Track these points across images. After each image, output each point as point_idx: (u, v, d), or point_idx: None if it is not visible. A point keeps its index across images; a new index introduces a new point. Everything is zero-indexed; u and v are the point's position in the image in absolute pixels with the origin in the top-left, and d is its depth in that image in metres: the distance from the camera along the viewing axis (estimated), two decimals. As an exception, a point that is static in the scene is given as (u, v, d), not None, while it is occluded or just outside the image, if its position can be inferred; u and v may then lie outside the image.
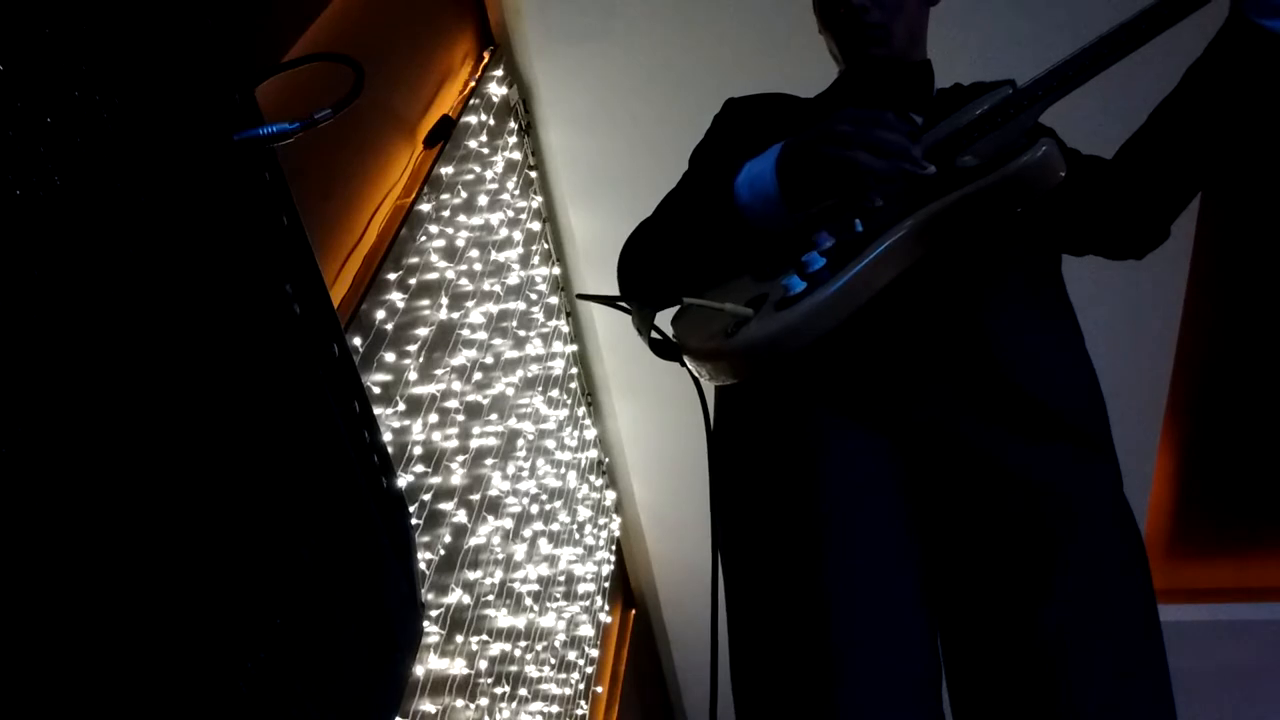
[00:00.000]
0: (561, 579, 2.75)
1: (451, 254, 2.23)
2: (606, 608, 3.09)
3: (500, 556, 2.36)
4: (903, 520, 1.13)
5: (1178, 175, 1.23)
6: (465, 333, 2.25)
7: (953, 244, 1.12)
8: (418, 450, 2.00)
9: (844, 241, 1.11)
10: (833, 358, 1.14)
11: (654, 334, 1.21)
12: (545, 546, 2.65)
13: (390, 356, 1.92)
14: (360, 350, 1.82)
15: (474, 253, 2.33)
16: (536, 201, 2.77)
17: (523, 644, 2.43)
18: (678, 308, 1.25)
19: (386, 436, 1.87)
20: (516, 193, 2.62)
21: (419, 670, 1.91)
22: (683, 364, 1.20)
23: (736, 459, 1.21)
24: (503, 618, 2.34)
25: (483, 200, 2.42)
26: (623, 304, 1.31)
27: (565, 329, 2.94)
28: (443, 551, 2.04)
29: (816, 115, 1.36)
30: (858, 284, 1.08)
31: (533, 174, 2.76)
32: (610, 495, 3.28)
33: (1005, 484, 1.12)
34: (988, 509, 1.13)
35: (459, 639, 2.10)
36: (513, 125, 2.65)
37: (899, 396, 1.14)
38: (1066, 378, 1.18)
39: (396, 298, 1.96)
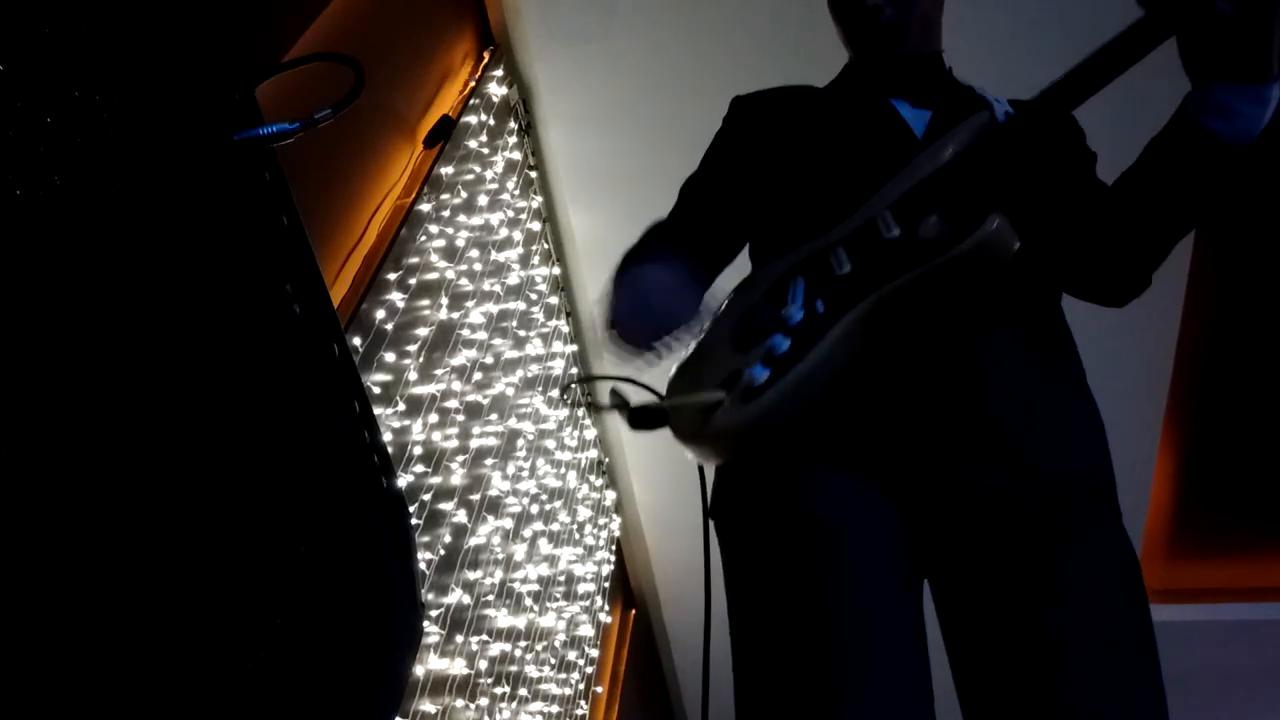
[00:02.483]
0: (561, 579, 2.75)
1: (451, 254, 2.23)
2: (606, 608, 3.09)
3: (500, 556, 2.36)
4: (891, 539, 1.12)
5: (1141, 236, 1.24)
6: (465, 333, 2.25)
7: (915, 317, 1.13)
8: (418, 450, 2.00)
9: (808, 320, 1.12)
10: (822, 404, 1.14)
11: (632, 406, 1.24)
12: (545, 546, 2.65)
13: (390, 356, 1.92)
14: (360, 350, 1.82)
15: (474, 253, 2.33)
16: (536, 201, 2.77)
17: (523, 644, 2.43)
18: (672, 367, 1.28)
19: (386, 436, 1.87)
20: (516, 193, 2.62)
21: (419, 670, 1.91)
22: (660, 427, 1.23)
23: (731, 498, 1.22)
24: (503, 618, 2.34)
25: (483, 200, 2.42)
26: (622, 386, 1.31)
27: (565, 329, 2.94)
28: (443, 551, 2.04)
29: (828, 106, 1.36)
30: (819, 369, 1.10)
31: (533, 174, 2.76)
32: (610, 495, 3.28)
33: (1002, 510, 1.13)
34: (985, 528, 1.13)
35: (459, 639, 2.10)
36: (513, 125, 2.65)
37: (889, 441, 1.15)
38: (1064, 440, 1.18)
39: (396, 298, 1.96)
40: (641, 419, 1.22)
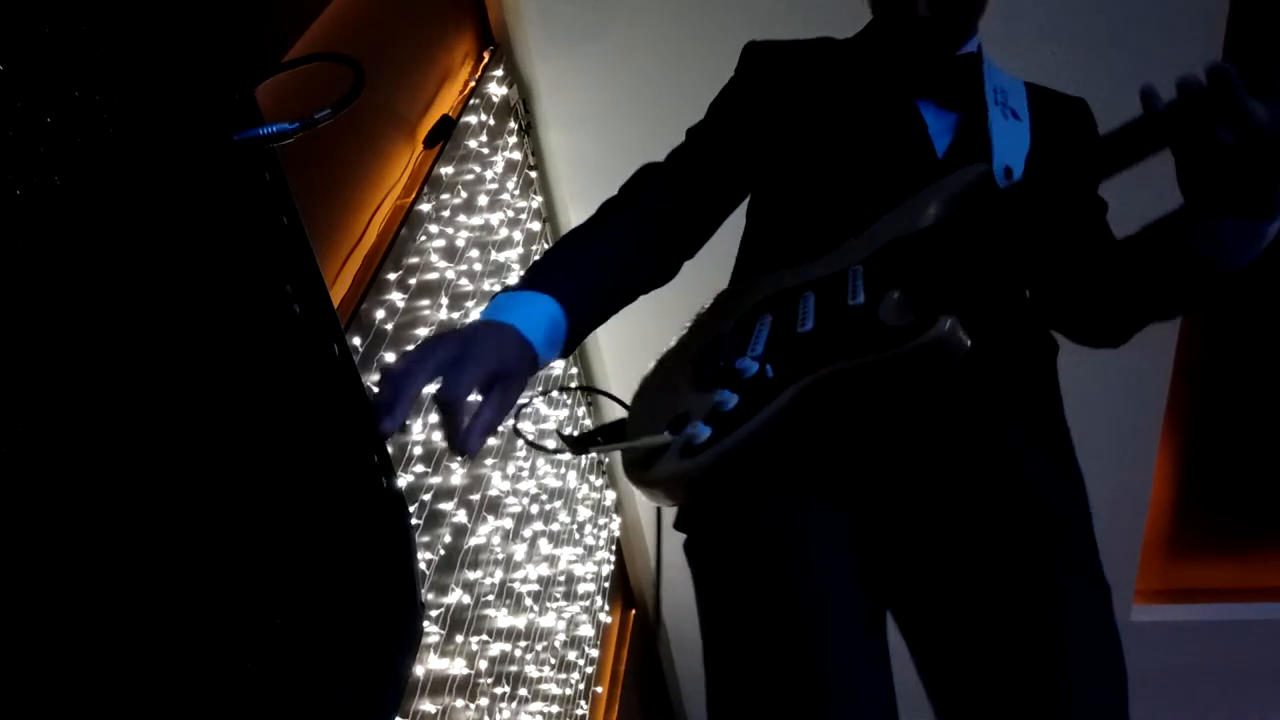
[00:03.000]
0: (561, 579, 2.75)
1: (451, 254, 2.23)
2: (606, 608, 3.09)
3: (500, 556, 2.36)
4: (859, 565, 1.10)
5: (1127, 317, 1.23)
6: (465, 333, 2.24)
7: (862, 397, 1.09)
8: (418, 450, 2.00)
9: (757, 381, 1.09)
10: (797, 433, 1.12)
11: (566, 436, 1.22)
12: (545, 546, 2.65)
13: (390, 356, 1.92)
14: (360, 350, 1.82)
15: (474, 253, 2.33)
16: (536, 201, 2.77)
17: (523, 644, 2.43)
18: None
19: (386, 436, 1.87)
20: (516, 193, 2.62)
21: (419, 670, 1.91)
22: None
23: (696, 518, 1.21)
24: (503, 618, 2.34)
25: (483, 200, 2.42)
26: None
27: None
28: (443, 551, 2.04)
29: (849, 84, 1.29)
30: (761, 436, 1.06)
31: (533, 174, 2.76)
32: (610, 495, 3.28)
33: (999, 529, 1.13)
34: (979, 547, 1.13)
35: (459, 639, 2.10)
36: (513, 125, 2.65)
37: (871, 469, 1.14)
38: (1057, 474, 1.18)
39: (396, 298, 1.96)
40: (583, 445, 1.22)
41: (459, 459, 1.26)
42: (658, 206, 1.23)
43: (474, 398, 0.95)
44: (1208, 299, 1.14)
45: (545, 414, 2.72)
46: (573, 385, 2.90)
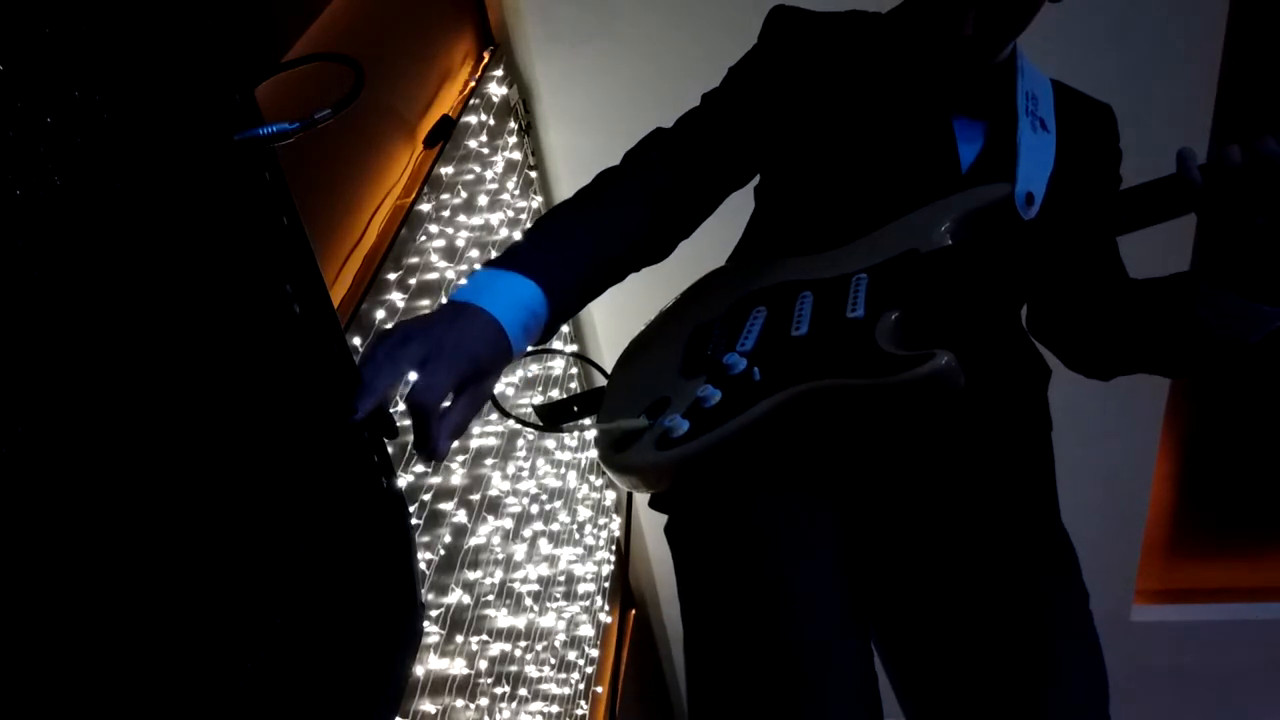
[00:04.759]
0: (561, 579, 2.75)
1: (451, 254, 2.23)
2: (606, 608, 3.09)
3: (500, 556, 2.36)
4: (843, 566, 1.08)
5: (1125, 363, 1.23)
6: (465, 333, 2.24)
7: (846, 418, 1.06)
8: (418, 450, 2.00)
9: (742, 381, 1.07)
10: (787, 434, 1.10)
11: (537, 407, 1.21)
12: (545, 546, 2.65)
13: (390, 356, 1.91)
14: (360, 350, 1.81)
15: (474, 253, 2.33)
16: (536, 201, 2.77)
17: (523, 644, 2.43)
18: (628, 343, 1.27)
19: (386, 436, 1.87)
20: (516, 193, 2.62)
21: (419, 670, 1.91)
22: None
23: (681, 504, 1.18)
24: (503, 618, 2.34)
25: (483, 200, 2.42)
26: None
27: (565, 328, 2.94)
28: (443, 551, 2.04)
29: (887, 51, 1.23)
30: (738, 438, 1.04)
31: (533, 174, 2.76)
32: (610, 495, 3.28)
33: (961, 526, 1.13)
34: (963, 546, 1.14)
35: (459, 639, 2.10)
36: (513, 125, 2.65)
37: (866, 473, 1.14)
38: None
39: (396, 298, 1.96)
40: (556, 419, 1.20)
41: (429, 464, 1.24)
42: (658, 185, 1.18)
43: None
44: (1203, 367, 1.14)
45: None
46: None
